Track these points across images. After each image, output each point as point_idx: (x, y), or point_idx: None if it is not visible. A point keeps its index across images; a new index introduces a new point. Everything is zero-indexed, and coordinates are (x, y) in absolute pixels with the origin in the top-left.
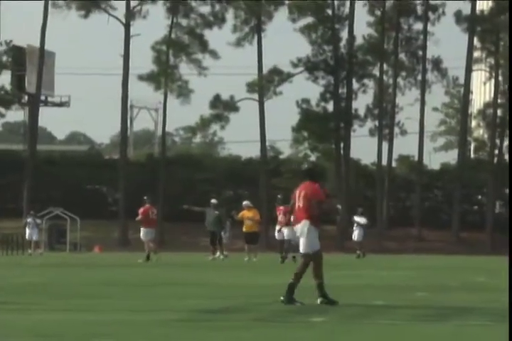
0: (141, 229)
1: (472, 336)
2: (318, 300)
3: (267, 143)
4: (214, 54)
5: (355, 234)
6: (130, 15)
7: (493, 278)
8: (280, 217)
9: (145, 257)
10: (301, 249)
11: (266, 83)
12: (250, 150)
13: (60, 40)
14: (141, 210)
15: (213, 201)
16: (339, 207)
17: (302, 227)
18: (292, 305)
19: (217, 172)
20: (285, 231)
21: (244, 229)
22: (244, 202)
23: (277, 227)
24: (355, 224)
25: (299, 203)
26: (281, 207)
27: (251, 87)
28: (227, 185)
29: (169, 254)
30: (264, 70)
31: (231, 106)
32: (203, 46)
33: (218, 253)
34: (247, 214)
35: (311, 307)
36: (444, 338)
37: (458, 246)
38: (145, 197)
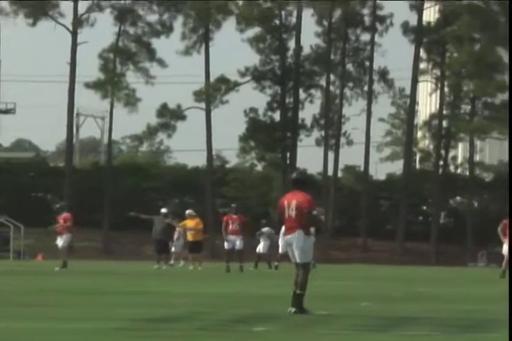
0: (66, 235)
1: None
2: (292, 310)
3: (214, 152)
4: (161, 62)
5: (261, 246)
6: (77, 22)
7: (436, 288)
8: (234, 226)
9: (62, 264)
10: (299, 259)
11: (213, 92)
12: (197, 159)
13: (6, 47)
14: (64, 217)
15: (163, 210)
16: (322, 217)
17: (298, 237)
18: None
19: (163, 181)
20: (237, 240)
21: (188, 238)
22: (188, 211)
23: (230, 237)
24: (261, 236)
25: (291, 213)
26: (235, 216)
27: (198, 95)
28: (173, 193)
29: (114, 263)
30: (212, 79)
31: (178, 114)
32: (151, 54)
33: (174, 262)
34: (190, 223)
35: (255, 316)
36: None
37: (403, 256)
38: (58, 205)
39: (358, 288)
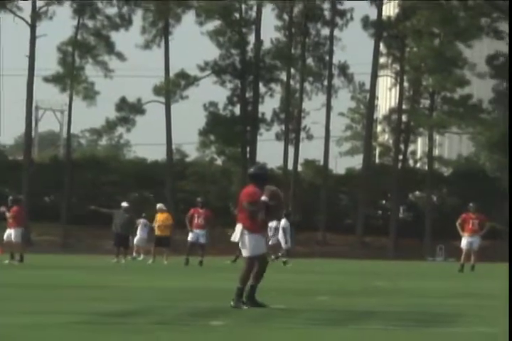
0: (16, 229)
1: (371, 340)
2: (232, 303)
3: (173, 146)
4: (120, 56)
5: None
6: (36, 16)
7: (394, 282)
8: (200, 221)
9: (19, 258)
10: (243, 253)
11: (172, 86)
12: (156, 153)
13: None
14: (13, 210)
15: (124, 204)
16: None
17: (236, 231)
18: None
19: (123, 175)
20: (202, 234)
21: (156, 233)
22: (158, 206)
23: (195, 231)
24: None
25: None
26: (201, 211)
27: (158, 89)
28: (132, 187)
29: (73, 257)
30: (172, 73)
31: (137, 108)
32: (110, 48)
33: (135, 255)
34: (160, 217)
35: (213, 310)
36: None
37: (362, 250)
38: (11, 197)
39: (316, 282)
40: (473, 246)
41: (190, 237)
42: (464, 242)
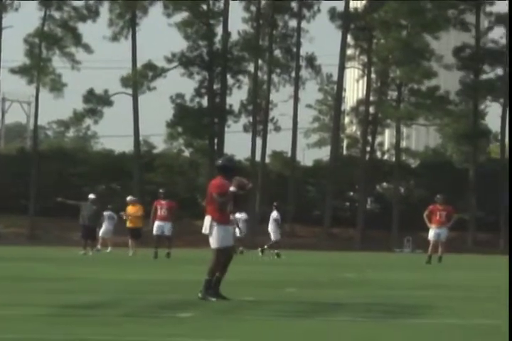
0: None
1: (339, 332)
2: (199, 294)
3: (141, 138)
4: (87, 48)
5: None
6: (2, 7)
7: (362, 274)
8: (163, 212)
9: None
10: (211, 245)
11: (140, 77)
12: (124, 145)
13: None
14: None
15: (91, 196)
16: (249, 185)
17: (205, 223)
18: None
19: (90, 167)
20: (166, 226)
21: (127, 225)
22: (129, 198)
23: (159, 223)
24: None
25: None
26: (163, 202)
27: (125, 81)
28: (100, 179)
29: (41, 249)
30: (139, 65)
31: (105, 100)
32: (77, 39)
33: (102, 247)
34: (131, 209)
35: (181, 302)
36: (310, 333)
37: (329, 241)
38: None
39: (284, 273)
40: (440, 238)
41: (154, 230)
42: (431, 234)
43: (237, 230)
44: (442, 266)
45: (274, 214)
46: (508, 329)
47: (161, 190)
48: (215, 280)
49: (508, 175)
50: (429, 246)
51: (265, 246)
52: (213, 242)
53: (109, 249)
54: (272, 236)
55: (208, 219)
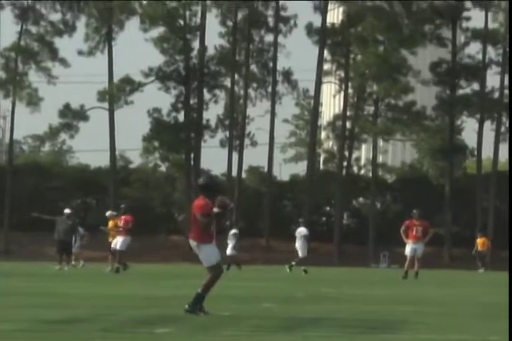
0: None
1: None
2: (186, 307)
3: (117, 152)
4: (64, 62)
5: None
6: None
7: (339, 289)
8: (130, 225)
9: None
10: (204, 265)
11: (116, 92)
12: (100, 159)
13: None
14: None
15: (67, 211)
16: (231, 205)
17: (194, 247)
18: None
19: (65, 181)
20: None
21: (109, 240)
22: (108, 213)
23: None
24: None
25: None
26: (122, 217)
27: (101, 95)
28: (75, 193)
29: (16, 264)
30: (116, 79)
31: (81, 115)
32: (53, 54)
33: (75, 263)
34: (112, 224)
35: (157, 318)
36: None
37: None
38: None
39: (260, 288)
40: (417, 253)
41: (112, 244)
42: (407, 249)
43: (229, 247)
44: (418, 281)
45: (303, 230)
46: (508, 330)
47: (122, 206)
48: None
49: (509, 179)
50: (405, 261)
51: (293, 263)
52: (205, 262)
53: (81, 264)
54: (300, 253)
55: (192, 243)
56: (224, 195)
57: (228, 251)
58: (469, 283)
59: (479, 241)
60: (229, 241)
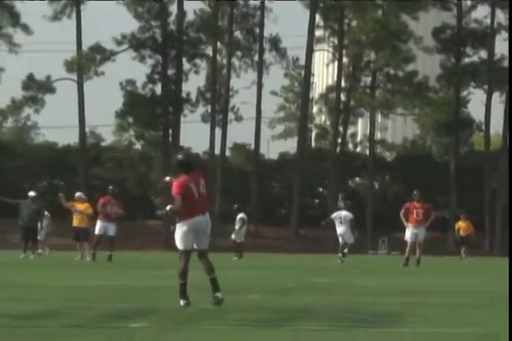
0: None
1: None
2: (220, 295)
3: (87, 129)
4: (26, 28)
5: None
6: None
7: (333, 278)
8: (115, 209)
9: None
10: (207, 245)
11: (86, 62)
12: (68, 137)
13: None
14: None
15: (31, 193)
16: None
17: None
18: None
19: (30, 161)
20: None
21: (73, 224)
22: (77, 194)
23: (103, 222)
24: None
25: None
26: (114, 201)
27: (69, 65)
28: (41, 174)
29: None
30: (85, 47)
31: (46, 87)
32: (14, 19)
33: (41, 250)
34: (80, 206)
35: (134, 311)
36: None
37: (298, 243)
38: None
39: (246, 278)
40: (418, 238)
41: (97, 230)
42: (408, 234)
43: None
44: (420, 269)
45: (349, 215)
46: (508, 330)
47: (111, 187)
48: (211, 280)
49: (508, 171)
50: (406, 247)
51: (345, 251)
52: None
53: (47, 252)
54: (347, 239)
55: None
56: (204, 171)
57: (233, 236)
58: (476, 271)
59: (462, 224)
60: (236, 227)
